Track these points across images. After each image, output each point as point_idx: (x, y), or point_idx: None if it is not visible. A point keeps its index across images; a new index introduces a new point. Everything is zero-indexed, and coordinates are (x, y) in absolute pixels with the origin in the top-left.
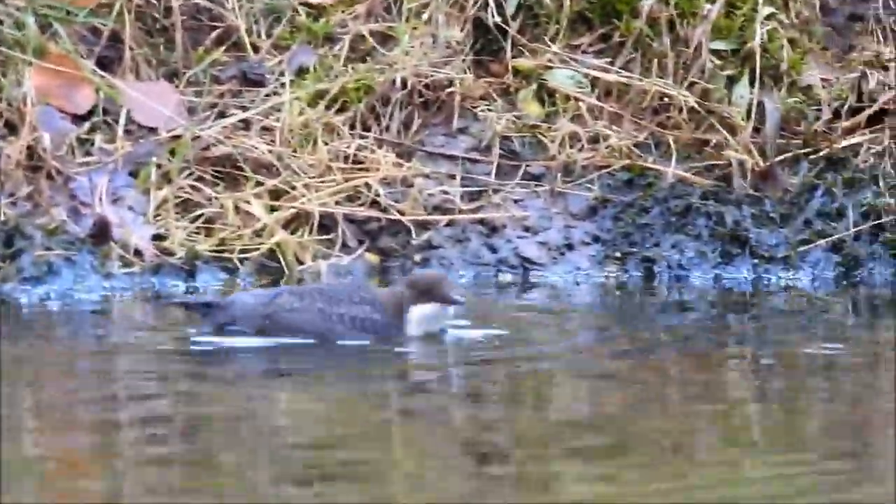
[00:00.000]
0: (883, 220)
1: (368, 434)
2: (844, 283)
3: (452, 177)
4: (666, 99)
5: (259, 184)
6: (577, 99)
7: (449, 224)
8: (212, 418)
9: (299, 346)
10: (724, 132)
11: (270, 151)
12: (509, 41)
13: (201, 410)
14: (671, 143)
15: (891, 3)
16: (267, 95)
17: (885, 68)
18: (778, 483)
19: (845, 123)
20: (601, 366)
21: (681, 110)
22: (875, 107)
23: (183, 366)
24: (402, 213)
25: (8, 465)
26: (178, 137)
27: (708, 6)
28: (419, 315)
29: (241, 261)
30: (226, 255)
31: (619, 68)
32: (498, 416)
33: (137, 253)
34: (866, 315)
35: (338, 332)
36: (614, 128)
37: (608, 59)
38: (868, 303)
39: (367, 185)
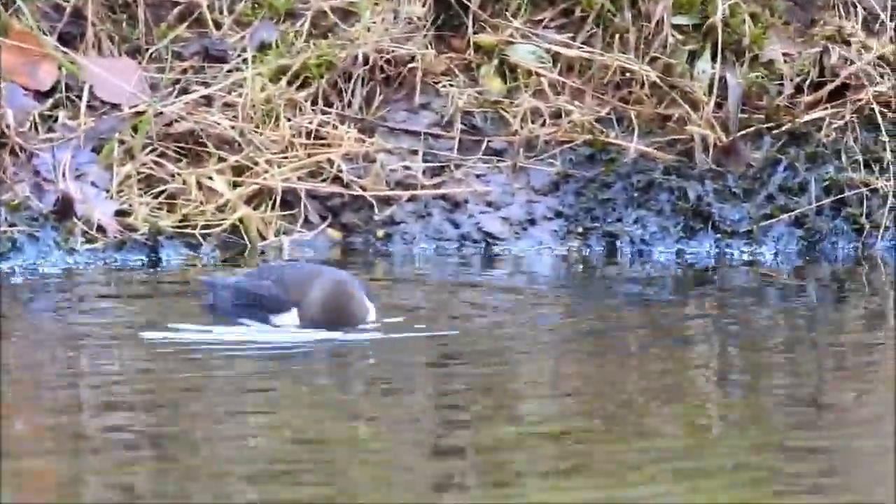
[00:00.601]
0: (845, 194)
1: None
2: (807, 257)
3: (414, 152)
4: (628, 74)
5: (222, 159)
6: (538, 74)
7: (411, 199)
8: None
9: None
10: (687, 107)
11: (233, 127)
12: (471, 17)
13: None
14: (633, 118)
15: None
16: (229, 71)
17: (847, 42)
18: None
19: (807, 98)
20: (562, 340)
21: (643, 85)
22: (837, 81)
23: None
24: (364, 189)
25: None
26: (140, 113)
27: None
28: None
29: (204, 236)
30: (188, 230)
31: (581, 43)
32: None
33: (101, 229)
34: (828, 289)
35: (231, 305)
36: (576, 103)
37: (570, 35)
38: (830, 277)
39: (330, 161)
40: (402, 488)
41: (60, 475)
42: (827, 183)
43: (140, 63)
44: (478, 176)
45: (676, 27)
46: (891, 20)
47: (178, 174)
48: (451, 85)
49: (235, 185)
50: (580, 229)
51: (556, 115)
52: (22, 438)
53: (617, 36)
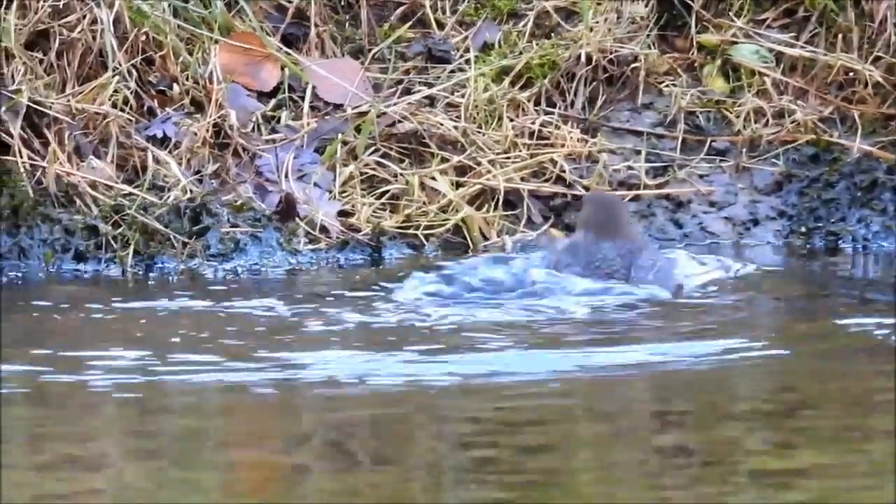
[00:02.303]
0: None
1: None
2: None
3: (637, 152)
4: (851, 74)
5: (444, 160)
6: (761, 74)
7: (634, 199)
8: None
9: None
10: None
11: (455, 128)
12: (693, 16)
13: None
14: (856, 117)
15: None
16: (452, 72)
17: None
18: None
19: None
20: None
21: (866, 85)
22: None
23: None
24: (587, 189)
25: None
26: (363, 114)
27: None
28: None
29: (427, 237)
30: (411, 230)
31: (804, 43)
32: None
33: (323, 229)
34: None
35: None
36: (799, 103)
37: (793, 34)
38: None
39: (553, 161)
40: None
41: None
42: None
43: (363, 64)
44: (701, 176)
45: None
46: None
47: (401, 174)
48: (674, 85)
49: (458, 186)
50: (803, 229)
51: (780, 114)
52: None
53: (840, 35)
